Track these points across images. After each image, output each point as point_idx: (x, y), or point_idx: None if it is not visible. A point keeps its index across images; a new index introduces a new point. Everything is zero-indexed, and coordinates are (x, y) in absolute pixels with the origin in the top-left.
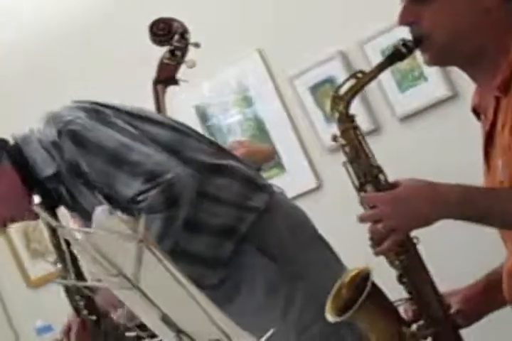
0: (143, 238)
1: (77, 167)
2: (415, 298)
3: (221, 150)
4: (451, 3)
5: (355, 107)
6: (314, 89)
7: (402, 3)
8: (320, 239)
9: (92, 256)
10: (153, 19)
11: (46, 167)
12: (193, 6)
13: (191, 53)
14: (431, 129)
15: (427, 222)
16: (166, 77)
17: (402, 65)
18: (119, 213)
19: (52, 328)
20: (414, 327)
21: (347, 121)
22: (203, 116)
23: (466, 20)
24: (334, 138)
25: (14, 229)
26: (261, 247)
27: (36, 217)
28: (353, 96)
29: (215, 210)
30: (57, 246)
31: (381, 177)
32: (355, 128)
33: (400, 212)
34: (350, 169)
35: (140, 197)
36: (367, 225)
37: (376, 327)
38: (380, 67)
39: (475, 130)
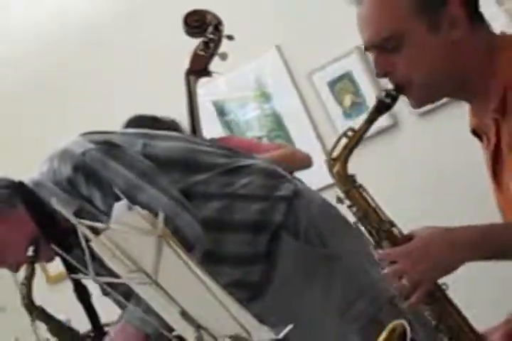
0: (162, 233)
1: (92, 202)
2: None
3: (233, 152)
4: (421, 46)
5: (373, 102)
6: (332, 85)
7: (372, 56)
8: (349, 224)
9: (111, 251)
10: (181, 12)
11: (66, 207)
12: (212, 2)
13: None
14: (449, 124)
15: (450, 268)
16: (198, 69)
17: None
18: (138, 208)
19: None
20: None
21: (348, 182)
22: (221, 112)
23: (439, 58)
24: (339, 200)
25: None
26: (296, 232)
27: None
28: (347, 156)
29: (246, 208)
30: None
31: (395, 230)
32: (358, 187)
33: (421, 264)
34: (363, 227)
35: None
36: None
37: None
38: (369, 122)
39: None
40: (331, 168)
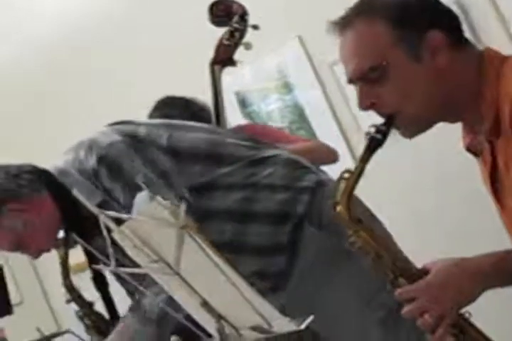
0: (184, 224)
1: (111, 193)
2: None
3: (257, 142)
4: (405, 75)
5: None
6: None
7: (356, 88)
8: (373, 215)
9: (133, 242)
10: (205, 2)
11: (91, 196)
12: None
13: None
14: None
15: (471, 298)
16: (223, 58)
17: None
18: (160, 199)
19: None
20: None
21: (354, 224)
22: (243, 103)
23: (426, 86)
24: (351, 244)
25: None
26: (319, 223)
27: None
28: (349, 199)
29: (269, 198)
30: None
31: (409, 266)
32: (365, 227)
33: (440, 297)
34: (376, 268)
35: None
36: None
37: None
38: (364, 160)
39: None
40: (335, 212)
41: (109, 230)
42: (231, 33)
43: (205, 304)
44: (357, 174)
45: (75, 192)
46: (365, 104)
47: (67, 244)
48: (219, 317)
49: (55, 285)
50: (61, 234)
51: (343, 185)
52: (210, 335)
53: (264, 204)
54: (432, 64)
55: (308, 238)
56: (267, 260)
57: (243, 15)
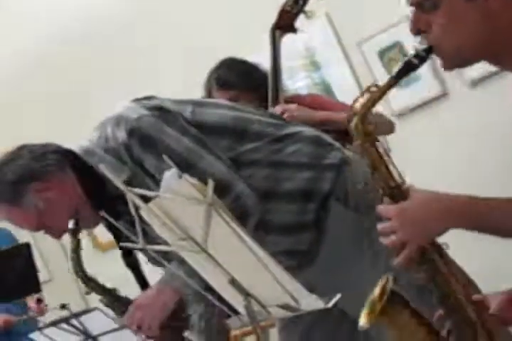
0: (212, 201)
1: (143, 166)
2: (445, 303)
3: (280, 119)
4: (456, 10)
5: (424, 71)
6: (382, 54)
7: (411, 11)
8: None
9: (161, 220)
10: None
11: (118, 173)
12: None
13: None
14: (500, 95)
15: (434, 233)
16: (285, 24)
17: None
18: (187, 177)
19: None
20: (443, 333)
21: (364, 136)
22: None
23: (473, 25)
24: (355, 150)
25: None
26: (345, 200)
27: (94, 225)
28: (368, 111)
29: (294, 176)
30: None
31: (400, 188)
32: (373, 141)
33: (406, 225)
34: (373, 180)
35: None
36: None
37: (399, 333)
38: (394, 80)
39: None
40: (349, 120)
41: (136, 208)
42: (295, 0)
43: (233, 281)
44: (383, 90)
45: (102, 168)
46: (414, 30)
47: (77, 235)
48: (247, 294)
49: (84, 262)
50: (71, 224)
51: (366, 96)
52: (237, 312)
53: (289, 182)
54: (484, 4)
55: (335, 215)
56: (293, 238)
57: None
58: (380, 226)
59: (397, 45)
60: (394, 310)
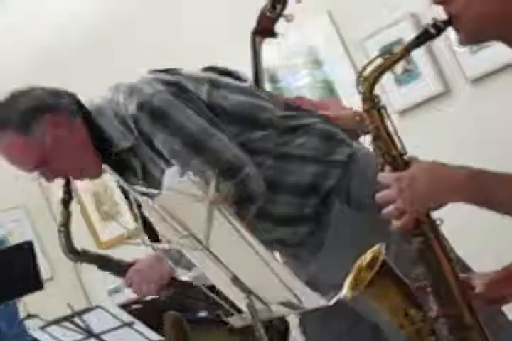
0: (213, 199)
1: (152, 142)
2: (431, 281)
3: (294, 109)
4: None
5: (426, 68)
6: (384, 51)
7: None
8: None
9: (163, 217)
10: None
11: (121, 140)
12: None
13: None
14: (503, 92)
15: (434, 203)
16: (264, 29)
17: None
18: (190, 175)
19: (122, 289)
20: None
21: (371, 101)
22: (273, 78)
23: (494, 2)
24: (360, 119)
25: (85, 191)
26: (348, 199)
27: (96, 176)
28: (378, 77)
29: (300, 169)
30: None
31: (402, 157)
32: (380, 108)
33: (407, 193)
34: (375, 148)
35: None
36: None
37: (385, 305)
38: (408, 48)
39: None
40: (358, 84)
41: (139, 205)
42: (273, 5)
43: (235, 279)
44: (396, 57)
45: (106, 168)
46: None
47: (68, 206)
48: (249, 292)
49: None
50: (60, 194)
51: (378, 62)
52: (239, 310)
53: (294, 175)
54: None
55: (337, 214)
56: (288, 229)
57: None
58: (378, 194)
59: (400, 43)
60: (383, 282)
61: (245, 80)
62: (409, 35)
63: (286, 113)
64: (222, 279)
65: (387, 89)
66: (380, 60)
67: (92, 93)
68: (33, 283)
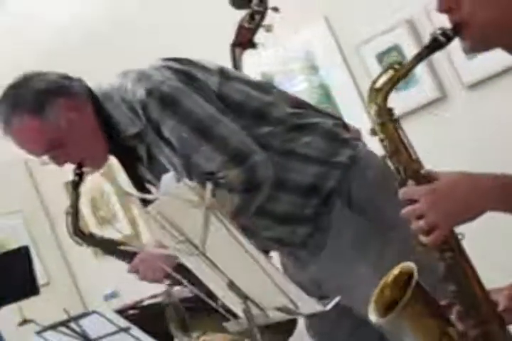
0: (210, 205)
1: (159, 129)
2: (461, 297)
3: (303, 107)
4: None
5: (422, 74)
6: (381, 57)
7: None
8: None
9: (160, 223)
10: None
11: (129, 125)
12: None
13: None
14: (499, 98)
15: (470, 215)
16: (244, 41)
17: None
18: (186, 180)
19: (118, 294)
20: (460, 327)
21: (386, 115)
22: None
23: (503, 7)
24: (373, 132)
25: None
26: (349, 201)
27: (101, 166)
28: (390, 89)
29: (303, 168)
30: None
31: (422, 170)
32: (395, 121)
33: (440, 207)
34: (390, 164)
35: (221, 174)
36: None
37: (421, 327)
38: (418, 58)
39: None
40: (371, 98)
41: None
42: (251, 16)
43: (232, 284)
44: (408, 68)
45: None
46: (444, 7)
47: (78, 187)
48: (245, 298)
49: (83, 266)
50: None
51: (390, 73)
52: (236, 316)
53: (296, 174)
54: None
55: (338, 215)
56: (287, 228)
57: None
58: (406, 209)
59: (396, 49)
60: (416, 303)
61: None
62: (406, 41)
63: (295, 110)
64: (218, 284)
65: None
66: (390, 72)
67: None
68: (29, 288)
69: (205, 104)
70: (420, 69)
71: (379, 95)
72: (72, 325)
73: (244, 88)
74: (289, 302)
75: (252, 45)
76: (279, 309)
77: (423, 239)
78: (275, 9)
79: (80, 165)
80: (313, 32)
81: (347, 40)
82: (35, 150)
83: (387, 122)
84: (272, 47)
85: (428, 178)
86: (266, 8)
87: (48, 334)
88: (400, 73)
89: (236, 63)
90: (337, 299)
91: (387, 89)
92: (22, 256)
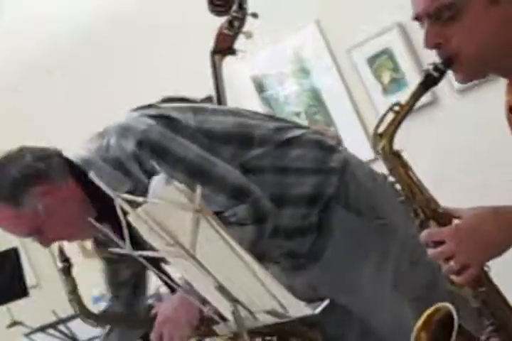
0: (199, 208)
1: (154, 175)
2: (499, 330)
3: (279, 121)
4: (479, 17)
5: (413, 78)
6: (371, 61)
7: (424, 27)
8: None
9: (149, 225)
10: None
11: (118, 186)
12: None
13: (249, 24)
14: (490, 101)
15: (500, 250)
16: (223, 47)
17: None
18: (176, 183)
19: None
20: None
21: (394, 159)
22: (260, 87)
23: (496, 32)
24: (385, 177)
25: None
26: (347, 204)
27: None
28: (394, 133)
29: (300, 181)
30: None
31: (439, 210)
32: (404, 164)
33: (469, 246)
34: (408, 206)
35: (229, 212)
36: None
37: None
38: (416, 96)
39: None
40: (375, 144)
41: (124, 213)
42: (230, 22)
43: (221, 288)
44: (407, 109)
45: (92, 175)
46: (432, 44)
47: (70, 273)
48: (234, 301)
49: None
50: (60, 262)
51: (390, 117)
52: (224, 319)
53: (296, 188)
54: (507, 9)
55: (337, 219)
56: (295, 242)
57: (241, 4)
58: (433, 252)
59: (387, 52)
60: None
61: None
62: (396, 44)
63: (276, 124)
64: (208, 287)
65: (374, 98)
66: (390, 115)
67: (91, 93)
68: (18, 289)
69: (193, 145)
70: (410, 72)
71: (383, 140)
72: (61, 327)
73: (218, 118)
74: (278, 305)
75: (232, 51)
76: (269, 312)
77: (455, 278)
78: (254, 15)
79: (61, 252)
80: (304, 35)
81: (338, 44)
82: (18, 235)
83: (397, 166)
84: (262, 50)
85: (448, 216)
86: (245, 15)
87: (37, 336)
88: (401, 115)
89: (216, 70)
90: (326, 303)
91: (390, 133)
92: (11, 258)
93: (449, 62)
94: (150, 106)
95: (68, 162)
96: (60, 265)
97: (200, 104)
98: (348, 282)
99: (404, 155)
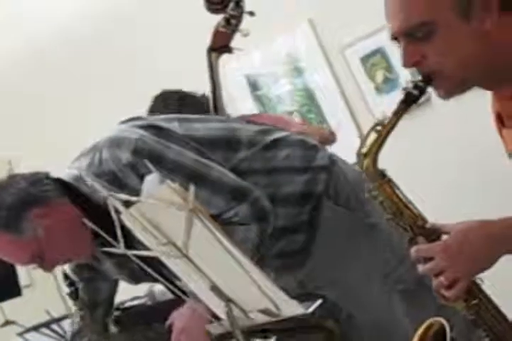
0: (193, 207)
1: None
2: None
3: (264, 126)
4: (453, 34)
5: (405, 78)
6: (365, 60)
7: (400, 45)
8: None
9: (142, 225)
10: None
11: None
12: None
13: (243, 23)
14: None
15: (488, 263)
16: (220, 45)
17: None
18: (169, 182)
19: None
20: None
21: (379, 178)
22: (254, 86)
23: (471, 47)
24: (373, 197)
25: None
26: (336, 199)
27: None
28: (377, 152)
29: (291, 180)
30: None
31: (427, 226)
32: (389, 182)
33: (458, 260)
34: (395, 223)
35: (231, 213)
36: None
37: None
38: (398, 115)
39: None
40: (360, 164)
41: (118, 213)
42: (227, 20)
43: (214, 287)
44: (389, 127)
45: (83, 174)
46: (410, 63)
47: (77, 297)
48: (228, 300)
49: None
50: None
51: (373, 137)
52: (218, 318)
53: (288, 186)
54: (480, 25)
55: (326, 214)
56: (286, 240)
57: (238, 2)
58: (423, 268)
59: (380, 52)
60: None
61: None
62: (389, 44)
63: (258, 127)
64: (201, 287)
65: (367, 97)
66: (373, 135)
67: (91, 93)
68: (11, 289)
69: (186, 151)
70: (404, 72)
71: (367, 160)
72: (54, 326)
73: (204, 124)
74: (271, 304)
75: (229, 49)
76: (262, 311)
77: (446, 293)
78: (251, 13)
79: (66, 277)
80: (298, 35)
81: (331, 43)
82: (19, 262)
83: (382, 184)
84: (256, 49)
85: (435, 232)
86: (242, 13)
87: (30, 335)
88: (383, 134)
89: (212, 68)
90: (318, 302)
91: (374, 152)
92: None
93: (428, 79)
94: (137, 118)
95: (60, 182)
96: (67, 290)
97: (185, 115)
98: (337, 277)
99: (396, 153)
